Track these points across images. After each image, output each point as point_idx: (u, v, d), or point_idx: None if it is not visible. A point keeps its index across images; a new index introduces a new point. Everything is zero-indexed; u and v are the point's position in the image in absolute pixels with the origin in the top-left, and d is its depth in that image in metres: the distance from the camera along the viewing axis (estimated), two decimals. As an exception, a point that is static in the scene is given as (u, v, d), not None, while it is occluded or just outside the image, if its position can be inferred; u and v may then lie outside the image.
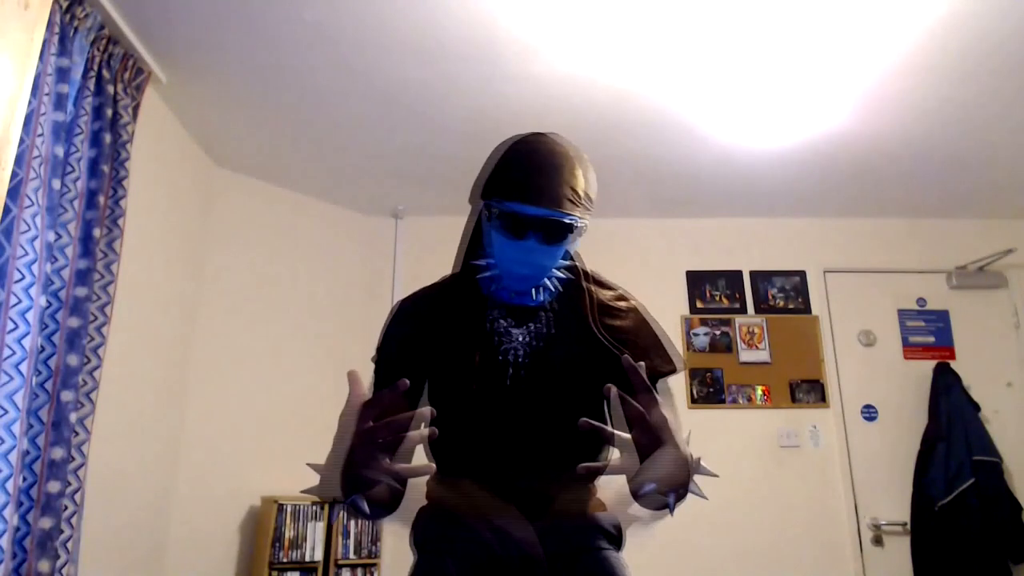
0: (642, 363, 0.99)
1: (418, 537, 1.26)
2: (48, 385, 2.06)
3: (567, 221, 1.17)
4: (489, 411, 1.21)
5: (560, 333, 1.24)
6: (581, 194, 1.19)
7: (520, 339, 1.23)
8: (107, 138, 2.34)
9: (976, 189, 3.59)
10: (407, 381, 0.92)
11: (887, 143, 3.14)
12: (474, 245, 1.28)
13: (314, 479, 1.02)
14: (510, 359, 1.22)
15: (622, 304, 1.30)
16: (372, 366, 1.31)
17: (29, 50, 1.52)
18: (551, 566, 1.17)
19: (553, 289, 1.26)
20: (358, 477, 0.96)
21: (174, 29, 2.45)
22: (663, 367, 1.24)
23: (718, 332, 3.78)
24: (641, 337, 1.26)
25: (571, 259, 1.28)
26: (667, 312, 3.77)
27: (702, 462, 1.03)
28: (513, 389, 1.21)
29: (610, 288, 1.32)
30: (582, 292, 1.27)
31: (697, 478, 1.04)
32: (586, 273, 1.30)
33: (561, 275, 1.26)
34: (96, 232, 2.25)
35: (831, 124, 2.98)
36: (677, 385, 3.73)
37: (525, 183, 1.16)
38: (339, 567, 3.07)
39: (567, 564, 1.18)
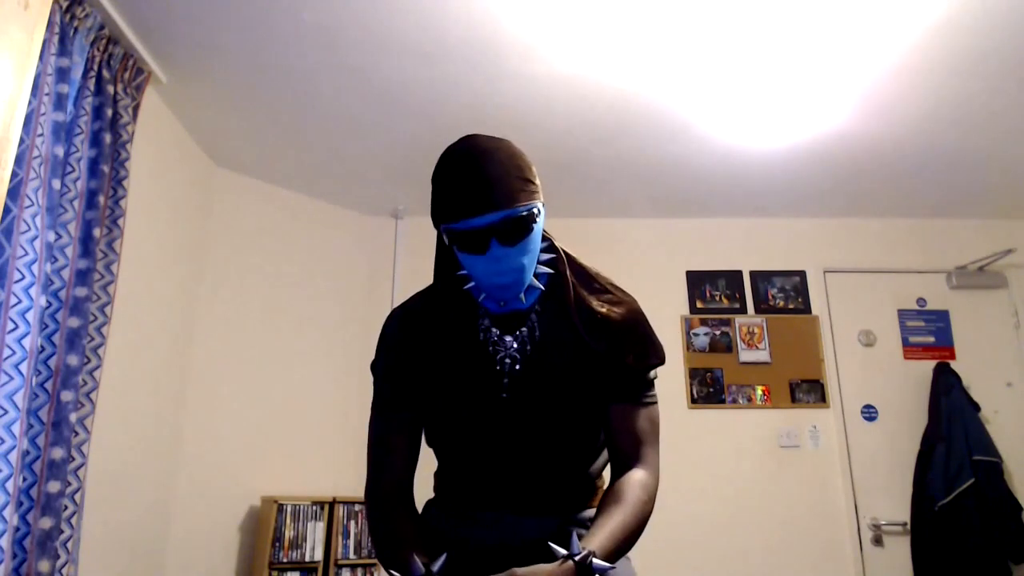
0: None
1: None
2: (48, 385, 2.06)
3: (522, 213, 1.10)
4: (487, 425, 1.20)
5: (547, 338, 1.21)
6: (521, 180, 1.11)
7: (513, 346, 1.20)
8: (107, 138, 2.34)
9: (976, 189, 3.59)
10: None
11: (887, 143, 3.14)
12: (451, 261, 1.24)
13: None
14: (504, 369, 1.20)
15: (609, 297, 1.24)
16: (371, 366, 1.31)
17: (29, 50, 1.52)
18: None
19: (540, 288, 1.22)
20: None
21: (174, 29, 2.45)
22: (653, 359, 1.22)
23: (718, 332, 3.78)
24: (632, 331, 1.22)
25: (555, 252, 1.23)
26: (667, 312, 3.77)
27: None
28: (510, 401, 1.19)
29: (598, 280, 1.26)
30: (567, 290, 1.21)
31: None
32: (571, 265, 1.24)
33: (545, 270, 1.21)
34: (96, 232, 2.25)
35: (831, 124, 2.98)
36: (677, 385, 3.74)
37: (460, 198, 1.09)
38: (339, 567, 3.06)
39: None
